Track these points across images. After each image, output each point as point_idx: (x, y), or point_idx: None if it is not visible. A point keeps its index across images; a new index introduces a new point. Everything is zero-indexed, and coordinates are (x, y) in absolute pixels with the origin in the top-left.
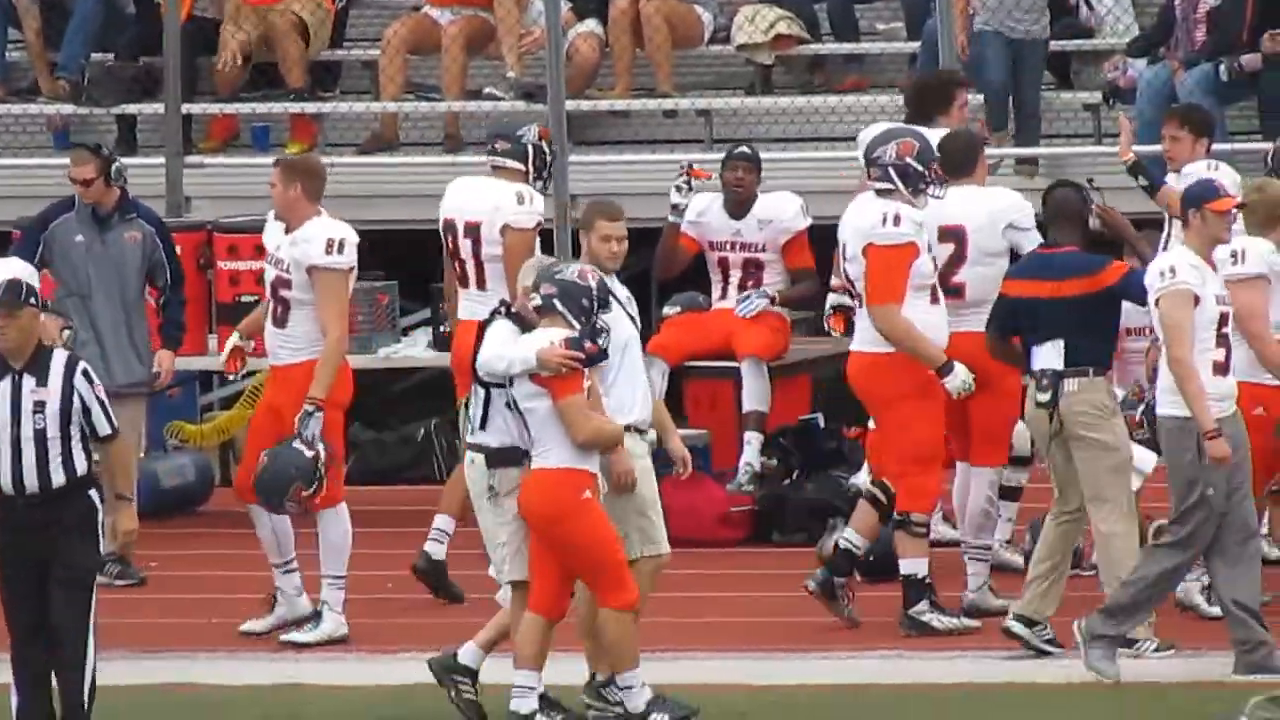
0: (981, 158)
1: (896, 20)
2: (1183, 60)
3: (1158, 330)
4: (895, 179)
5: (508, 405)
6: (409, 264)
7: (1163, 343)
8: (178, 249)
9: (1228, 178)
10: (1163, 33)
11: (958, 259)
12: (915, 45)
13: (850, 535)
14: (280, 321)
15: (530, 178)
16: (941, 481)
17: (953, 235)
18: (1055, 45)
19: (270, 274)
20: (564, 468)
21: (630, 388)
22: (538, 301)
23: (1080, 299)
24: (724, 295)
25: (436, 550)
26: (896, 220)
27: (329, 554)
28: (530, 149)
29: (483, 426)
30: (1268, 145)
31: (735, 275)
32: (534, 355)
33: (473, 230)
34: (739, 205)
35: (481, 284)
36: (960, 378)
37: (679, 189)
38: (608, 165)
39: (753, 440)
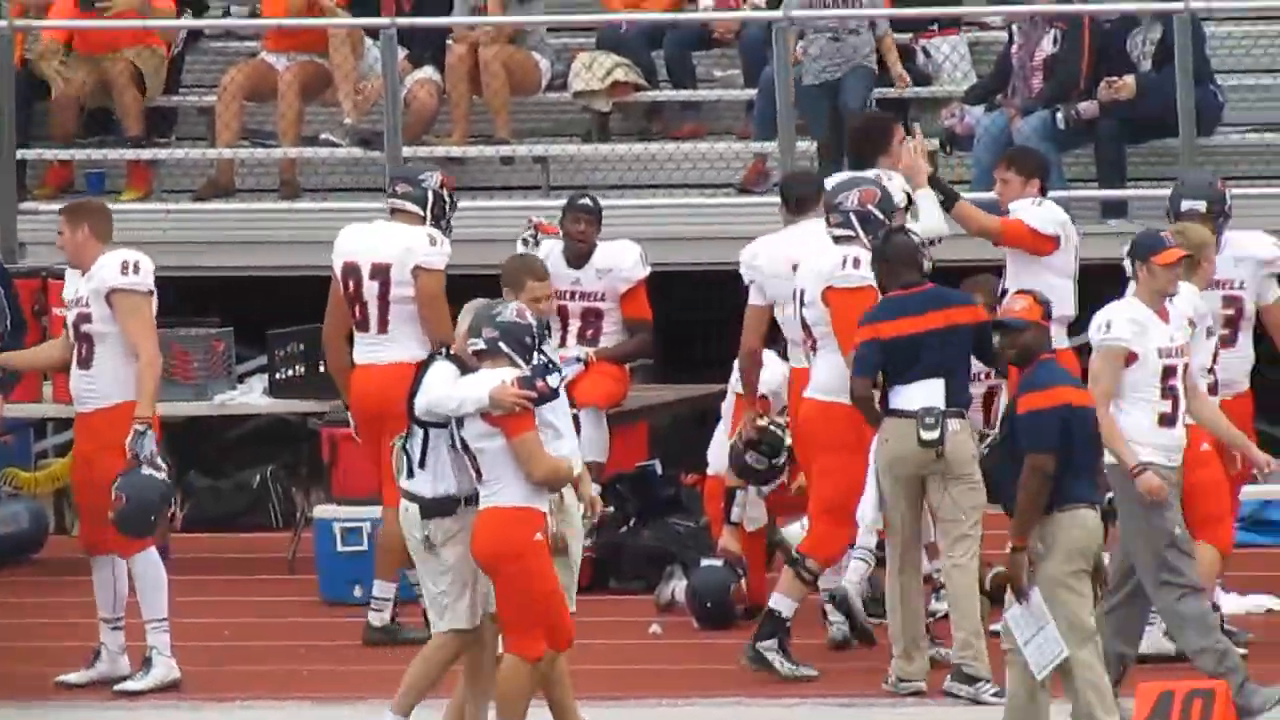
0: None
1: (734, 68)
2: (1020, 107)
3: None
4: (856, 225)
5: (451, 446)
6: (245, 311)
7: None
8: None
9: (1049, 214)
10: (1000, 80)
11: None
12: (753, 93)
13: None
14: (85, 362)
15: (427, 223)
16: (848, 539)
17: None
18: (894, 92)
19: (71, 315)
20: (516, 506)
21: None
22: (480, 346)
23: (964, 329)
24: (563, 344)
25: (376, 619)
26: (856, 263)
27: (148, 597)
28: (430, 194)
29: (421, 467)
30: (1103, 193)
31: (574, 324)
32: (487, 394)
33: (381, 272)
34: (579, 256)
35: (384, 327)
36: None
37: (525, 242)
38: None
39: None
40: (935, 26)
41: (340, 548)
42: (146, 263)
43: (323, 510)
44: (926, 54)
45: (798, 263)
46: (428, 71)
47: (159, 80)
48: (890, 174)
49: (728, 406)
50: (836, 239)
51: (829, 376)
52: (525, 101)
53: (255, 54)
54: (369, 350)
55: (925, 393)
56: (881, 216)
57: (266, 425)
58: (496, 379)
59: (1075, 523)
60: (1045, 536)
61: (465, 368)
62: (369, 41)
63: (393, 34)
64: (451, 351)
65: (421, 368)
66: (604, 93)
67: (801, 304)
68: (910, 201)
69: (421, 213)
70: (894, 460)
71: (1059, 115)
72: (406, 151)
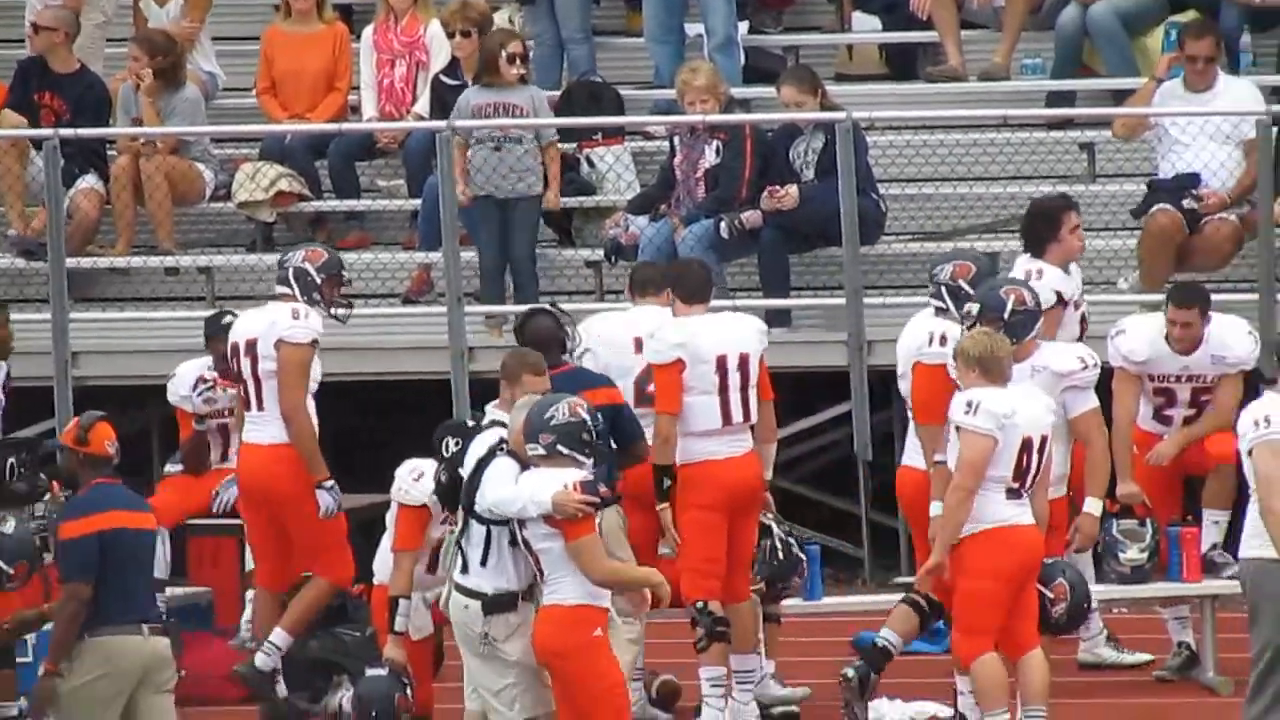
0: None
1: (398, 178)
2: (683, 217)
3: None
4: (946, 298)
5: (511, 543)
6: None
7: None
8: None
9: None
10: (664, 189)
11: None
12: (417, 202)
13: (888, 634)
14: None
15: (301, 300)
16: None
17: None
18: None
19: None
20: (577, 605)
21: None
22: (540, 451)
23: (604, 410)
24: (224, 458)
25: (265, 662)
26: (943, 340)
27: None
28: (292, 271)
29: (483, 564)
30: (766, 302)
31: (235, 438)
32: (549, 500)
33: (250, 348)
34: (226, 375)
35: (260, 404)
36: None
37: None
38: (110, 322)
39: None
40: (599, 135)
41: None
42: None
43: None
44: (590, 163)
45: (637, 337)
46: (91, 180)
47: None
48: (1044, 268)
49: (391, 516)
50: (936, 310)
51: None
52: (189, 212)
53: None
54: (251, 429)
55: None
56: (970, 291)
57: None
58: (559, 480)
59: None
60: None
61: (524, 463)
62: (33, 152)
63: (55, 144)
64: (509, 448)
65: (481, 463)
66: (268, 203)
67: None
68: (1061, 300)
69: (291, 292)
70: None
71: (722, 225)
72: (70, 263)
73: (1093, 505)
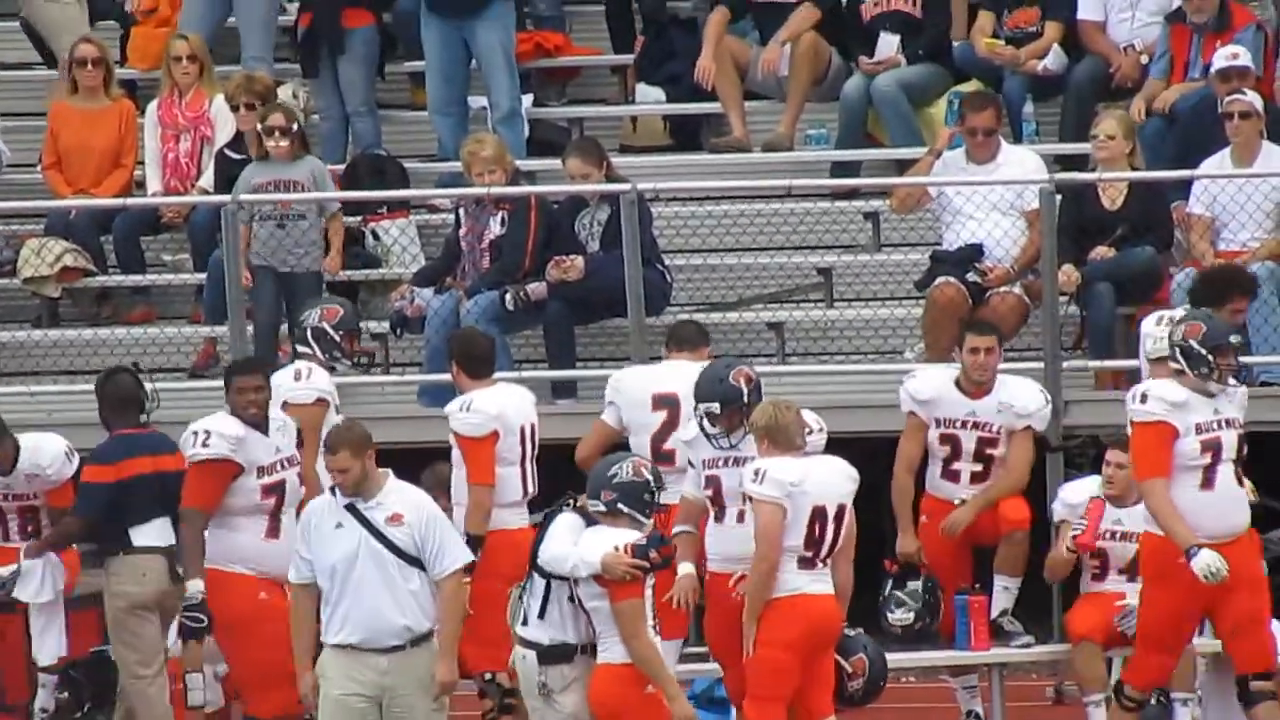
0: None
1: (183, 252)
2: (469, 289)
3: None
4: (1180, 358)
5: (569, 599)
6: None
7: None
8: None
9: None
10: (449, 262)
11: (669, 425)
12: (202, 276)
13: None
14: None
15: (324, 359)
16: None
17: (665, 403)
18: (343, 275)
19: None
20: (628, 664)
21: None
22: (601, 508)
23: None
24: (6, 538)
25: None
26: (1144, 399)
27: None
28: (310, 332)
29: (541, 617)
30: (552, 374)
31: (14, 521)
32: (598, 561)
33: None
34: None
35: None
36: (1205, 560)
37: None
38: None
39: (47, 683)
40: (384, 209)
41: None
42: None
43: None
44: (376, 236)
45: (658, 394)
46: None
47: None
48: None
49: None
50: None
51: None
52: None
53: None
54: None
55: (158, 531)
56: (1204, 353)
57: None
58: (614, 540)
59: None
60: None
61: (590, 519)
62: None
63: None
64: (578, 504)
65: (547, 518)
66: (53, 278)
67: None
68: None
69: (312, 352)
70: None
71: (507, 296)
72: None
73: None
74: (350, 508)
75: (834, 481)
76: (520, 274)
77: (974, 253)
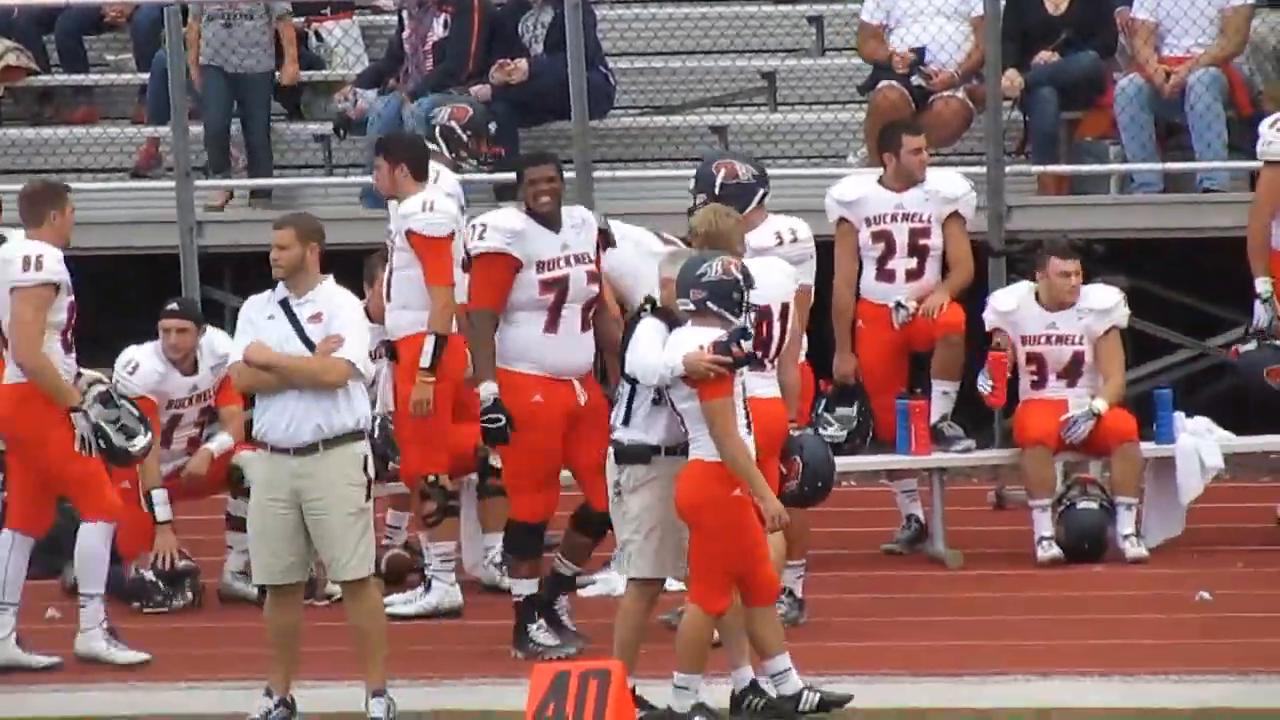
0: None
1: (126, 52)
2: (411, 91)
3: None
4: None
5: (654, 400)
6: None
7: None
8: None
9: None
10: (393, 64)
11: None
12: (145, 76)
13: None
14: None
15: (449, 158)
16: None
17: None
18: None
19: None
20: (718, 461)
21: None
22: (690, 307)
23: None
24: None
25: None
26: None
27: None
28: (439, 129)
29: (625, 422)
30: (495, 176)
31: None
32: (680, 361)
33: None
34: None
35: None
36: None
37: None
38: None
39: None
40: (328, 10)
41: None
42: None
43: None
44: (319, 37)
45: None
46: None
47: None
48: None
49: None
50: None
51: None
52: None
53: None
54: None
55: None
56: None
57: None
58: (694, 343)
59: None
60: None
61: (673, 320)
62: None
63: None
64: (658, 306)
65: (630, 323)
66: None
67: None
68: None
69: (438, 149)
70: None
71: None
72: None
73: None
74: (284, 303)
75: (775, 281)
76: (463, 76)
77: (918, 57)
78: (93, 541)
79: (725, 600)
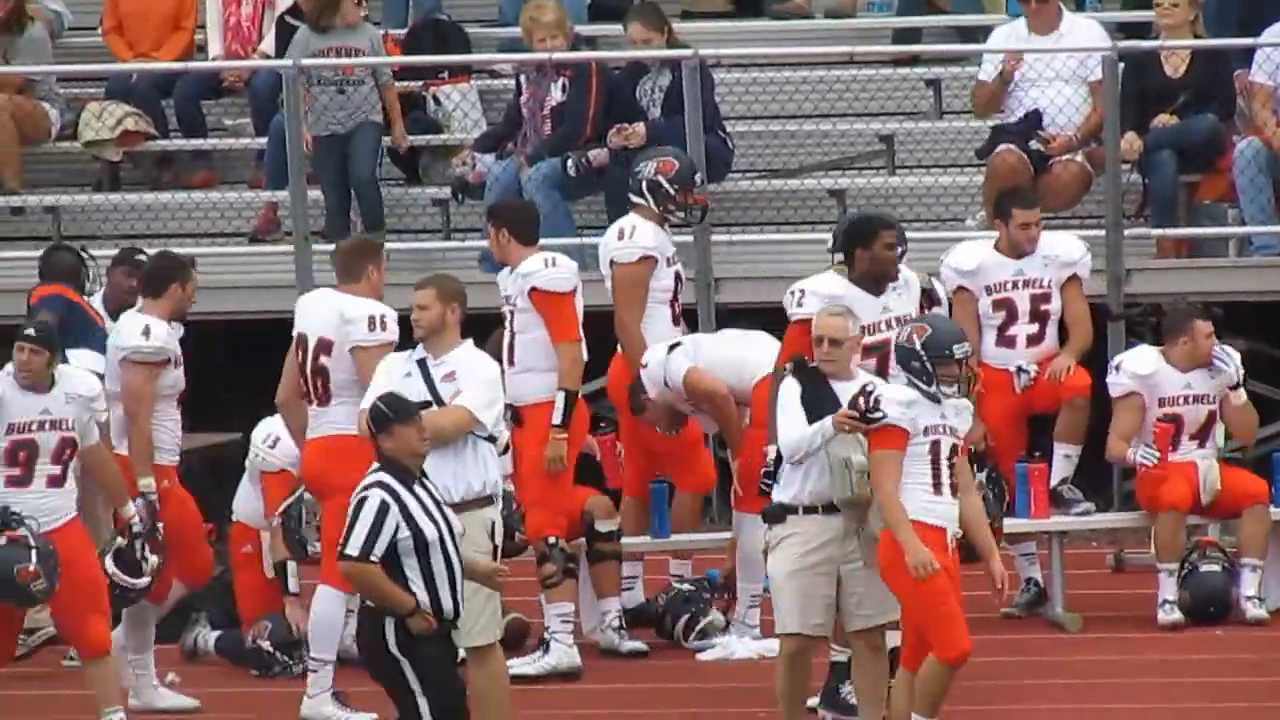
0: None
1: (244, 117)
2: (529, 155)
3: None
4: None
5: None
6: None
7: None
8: None
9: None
10: (510, 128)
11: None
12: (263, 141)
13: None
14: None
15: (657, 211)
16: None
17: None
18: (406, 142)
19: None
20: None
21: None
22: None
23: None
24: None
25: None
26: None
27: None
28: (645, 184)
29: (774, 480)
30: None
31: None
32: (829, 422)
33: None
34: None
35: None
36: None
37: None
38: None
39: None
40: (445, 74)
41: None
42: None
43: None
44: (437, 101)
45: None
46: None
47: None
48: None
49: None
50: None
51: None
52: (35, 151)
53: None
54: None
55: None
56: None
57: None
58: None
59: None
60: None
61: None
62: None
63: None
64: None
65: (774, 388)
66: (114, 142)
67: None
68: None
69: (645, 202)
70: None
71: (569, 163)
72: None
73: None
74: (421, 363)
75: None
76: (581, 140)
77: (1035, 120)
78: (330, 608)
79: (963, 645)
